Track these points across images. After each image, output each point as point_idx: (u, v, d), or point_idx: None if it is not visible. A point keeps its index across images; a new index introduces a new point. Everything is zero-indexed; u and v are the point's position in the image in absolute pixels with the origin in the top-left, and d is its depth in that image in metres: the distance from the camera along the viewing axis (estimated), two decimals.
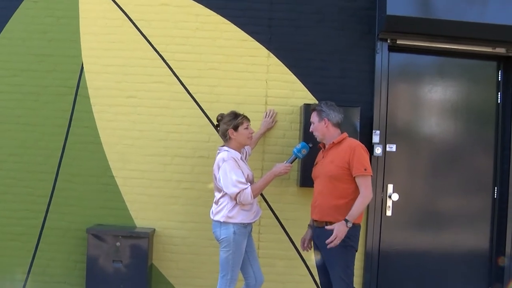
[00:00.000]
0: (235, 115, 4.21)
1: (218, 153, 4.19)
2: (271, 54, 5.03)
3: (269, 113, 4.87)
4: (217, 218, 4.11)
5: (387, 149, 5.05)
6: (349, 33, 5.07)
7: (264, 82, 5.00)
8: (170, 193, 4.99)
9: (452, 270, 5.23)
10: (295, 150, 4.20)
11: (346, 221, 3.82)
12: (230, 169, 4.02)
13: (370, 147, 4.86)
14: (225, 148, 4.17)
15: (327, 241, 3.81)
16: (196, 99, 5.01)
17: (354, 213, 3.85)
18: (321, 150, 4.25)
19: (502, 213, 5.19)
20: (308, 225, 4.31)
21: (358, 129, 4.75)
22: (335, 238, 3.79)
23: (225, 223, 4.06)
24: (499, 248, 5.22)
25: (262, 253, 4.94)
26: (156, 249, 4.96)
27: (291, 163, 4.21)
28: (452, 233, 5.22)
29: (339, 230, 3.80)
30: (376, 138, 4.88)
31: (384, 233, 5.08)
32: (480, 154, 5.29)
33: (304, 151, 4.19)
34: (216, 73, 5.01)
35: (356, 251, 4.04)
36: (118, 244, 4.68)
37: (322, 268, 4.13)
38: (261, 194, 4.87)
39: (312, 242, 4.25)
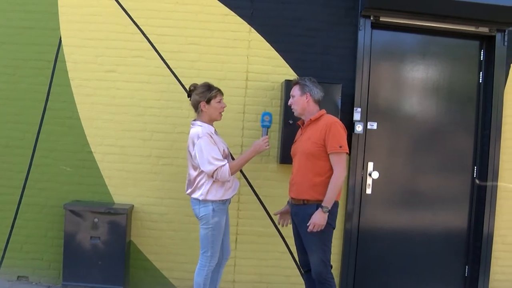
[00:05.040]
0: (209, 87, 4.19)
1: (192, 127, 4.15)
2: (253, 30, 5.08)
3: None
4: (195, 196, 4.13)
5: (368, 127, 5.15)
6: (332, 9, 5.13)
7: (245, 57, 5.06)
8: (149, 169, 5.05)
9: (430, 248, 5.37)
10: (262, 124, 4.31)
11: (323, 207, 3.91)
12: (205, 146, 4.02)
13: (351, 125, 4.96)
14: (198, 123, 4.15)
15: (308, 230, 3.91)
16: (176, 74, 5.05)
17: (329, 197, 3.93)
18: (300, 128, 4.32)
19: (481, 193, 5.33)
20: (288, 201, 4.39)
21: (339, 106, 4.84)
22: (314, 227, 3.90)
23: (204, 201, 4.09)
24: (477, 227, 5.36)
25: (241, 229, 5.05)
26: (134, 226, 5.03)
27: (267, 135, 4.28)
28: (431, 212, 5.36)
29: (318, 219, 3.90)
30: (357, 116, 4.97)
31: (363, 211, 5.20)
32: (461, 134, 5.42)
33: (268, 117, 4.30)
34: (197, 48, 5.06)
35: (334, 228, 4.12)
36: (96, 220, 4.74)
37: (300, 245, 4.22)
38: (241, 171, 4.96)
39: (290, 219, 4.34)
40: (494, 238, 5.31)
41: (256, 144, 4.21)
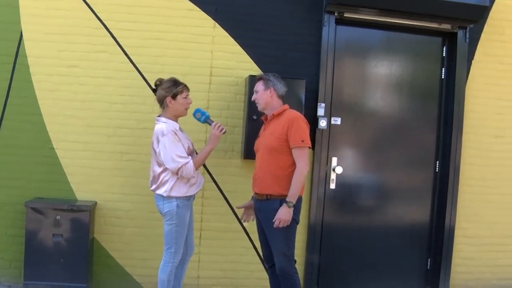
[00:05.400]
0: (175, 83, 4.18)
1: (156, 124, 4.13)
2: (217, 25, 5.07)
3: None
4: (159, 192, 4.12)
5: (332, 122, 5.20)
6: (297, 5, 5.15)
7: (209, 53, 5.05)
8: (113, 165, 5.00)
9: (394, 242, 5.45)
10: (202, 121, 4.33)
11: (288, 202, 3.93)
12: (170, 143, 4.00)
13: (314, 120, 4.99)
14: (163, 119, 4.14)
15: (274, 225, 3.93)
16: (140, 70, 5.01)
17: (294, 192, 3.96)
18: (264, 123, 4.34)
19: (443, 187, 5.42)
20: (252, 197, 4.41)
21: (303, 102, 4.87)
22: (280, 222, 3.92)
23: (168, 197, 4.08)
24: (439, 220, 5.46)
25: (205, 225, 5.05)
26: (98, 223, 4.98)
27: (213, 121, 4.29)
28: (394, 206, 5.45)
29: (283, 214, 3.92)
30: (321, 111, 5.00)
31: (327, 206, 5.25)
32: (424, 129, 5.51)
33: (199, 114, 4.31)
34: (161, 43, 5.02)
35: (298, 223, 4.15)
36: (58, 217, 4.66)
37: (264, 240, 4.24)
38: (205, 166, 4.95)
39: (254, 214, 4.36)
40: (456, 231, 5.42)
41: (212, 134, 4.22)
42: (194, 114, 4.35)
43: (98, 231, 4.99)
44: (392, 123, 5.40)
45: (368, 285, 5.42)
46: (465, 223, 5.48)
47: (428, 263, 5.54)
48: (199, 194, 4.69)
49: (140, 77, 5.01)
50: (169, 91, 4.12)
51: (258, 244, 4.54)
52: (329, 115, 5.13)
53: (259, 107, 4.26)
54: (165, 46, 5.02)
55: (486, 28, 5.50)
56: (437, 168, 5.49)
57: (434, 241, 5.51)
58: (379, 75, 5.37)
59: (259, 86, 4.23)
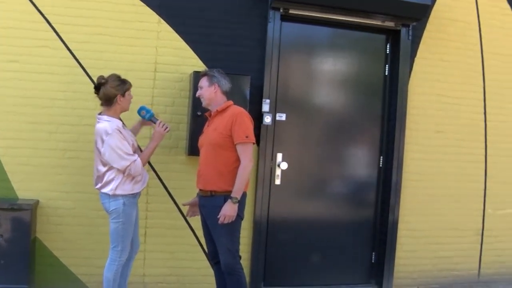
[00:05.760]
0: (122, 80, 4.16)
1: (98, 122, 4.07)
2: (162, 20, 5.05)
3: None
4: (105, 190, 4.09)
5: (277, 118, 5.24)
6: (242, 1, 5.17)
7: (154, 48, 5.03)
8: (55, 163, 4.91)
9: (339, 236, 5.57)
10: (146, 118, 4.36)
11: (232, 198, 3.98)
12: (115, 142, 3.97)
13: (259, 116, 5.04)
14: (105, 117, 4.10)
15: (219, 222, 3.98)
16: (83, 65, 4.95)
17: (238, 188, 4.01)
18: (208, 119, 4.36)
19: (387, 182, 5.57)
20: (197, 193, 4.42)
21: (248, 98, 4.91)
22: (224, 218, 3.97)
23: (114, 195, 4.06)
24: (383, 215, 5.60)
25: (151, 223, 5.03)
26: (40, 222, 4.89)
27: (157, 119, 4.33)
28: (339, 201, 5.57)
29: (228, 211, 3.97)
30: (265, 107, 5.05)
31: (272, 202, 5.30)
32: (368, 125, 5.64)
33: (144, 112, 4.35)
34: (105, 38, 4.96)
35: (242, 219, 4.20)
36: None
37: (209, 236, 4.28)
38: (149, 163, 4.93)
39: (199, 211, 4.38)
40: (399, 225, 5.58)
41: (156, 132, 4.24)
42: (138, 112, 4.35)
43: (41, 230, 4.90)
44: (337, 119, 5.50)
45: (314, 279, 5.50)
46: (408, 216, 5.65)
47: (373, 257, 5.67)
48: (144, 191, 4.67)
49: (83, 73, 4.94)
50: (119, 89, 4.10)
51: (203, 241, 4.55)
52: (274, 111, 5.18)
53: (203, 103, 4.29)
54: (109, 41, 4.97)
55: (428, 26, 5.67)
56: (381, 163, 5.62)
57: (378, 234, 5.66)
58: (324, 71, 5.46)
59: (204, 82, 4.26)
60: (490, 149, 5.96)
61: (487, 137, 5.94)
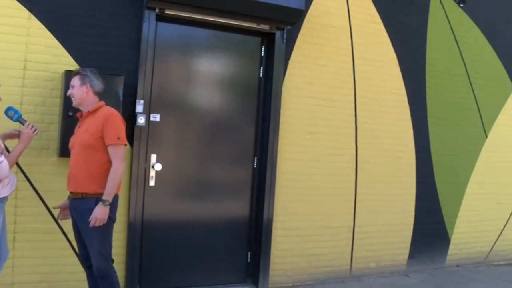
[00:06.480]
0: None
1: None
2: (33, 16, 4.92)
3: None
4: None
5: (151, 119, 5.28)
6: (117, 0, 5.16)
7: (23, 45, 4.87)
8: None
9: (216, 237, 5.70)
10: (14, 119, 4.29)
11: (103, 201, 4.00)
12: None
13: (133, 117, 5.05)
14: None
15: (90, 225, 3.97)
16: None
17: (110, 190, 4.03)
18: (79, 120, 4.35)
19: (261, 182, 5.79)
20: (68, 196, 4.38)
21: (121, 98, 4.91)
22: (96, 221, 3.97)
23: None
24: (257, 214, 5.82)
25: (20, 227, 4.88)
26: None
27: (26, 121, 4.26)
28: (215, 201, 5.69)
29: (99, 213, 3.98)
30: (139, 108, 5.05)
31: (147, 203, 5.33)
32: (243, 126, 5.83)
33: (11, 112, 4.27)
34: None
35: (114, 222, 4.23)
36: None
37: (81, 240, 4.26)
38: (18, 165, 4.80)
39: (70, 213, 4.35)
40: (274, 224, 5.81)
41: (25, 133, 4.15)
42: (6, 112, 4.25)
43: None
44: (213, 120, 5.64)
45: (191, 280, 5.59)
46: (282, 216, 5.90)
47: (249, 256, 5.86)
48: (12, 194, 4.54)
49: None
50: None
51: (76, 245, 4.51)
52: (148, 111, 5.21)
53: (74, 103, 4.27)
54: None
55: (302, 30, 5.96)
56: (255, 164, 5.82)
57: (254, 234, 5.86)
58: (200, 72, 5.57)
59: (75, 81, 4.24)
60: (360, 149, 6.37)
61: (358, 138, 6.34)
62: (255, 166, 5.83)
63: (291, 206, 5.96)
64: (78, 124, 4.33)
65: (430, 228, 7.08)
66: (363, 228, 6.47)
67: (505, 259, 7.89)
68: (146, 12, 5.17)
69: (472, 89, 7.37)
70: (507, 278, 6.88)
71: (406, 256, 6.87)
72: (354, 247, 6.43)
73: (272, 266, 5.84)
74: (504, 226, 7.88)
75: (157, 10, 5.22)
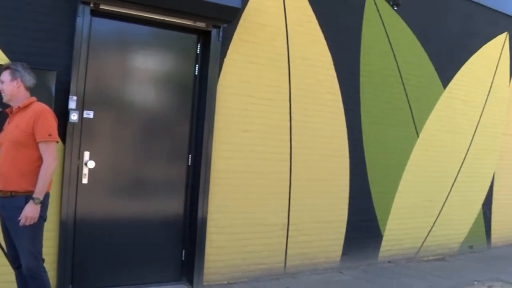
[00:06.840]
0: None
1: None
2: None
3: None
4: None
5: (84, 115, 5.22)
6: None
7: None
8: None
9: (150, 236, 5.70)
10: None
11: (34, 199, 3.96)
12: None
13: (65, 113, 5.00)
14: None
15: (20, 224, 3.92)
16: None
17: (41, 188, 4.00)
18: (8, 116, 4.28)
19: (195, 180, 5.84)
20: None
21: (54, 94, 4.86)
22: (26, 220, 3.92)
23: None
24: (192, 213, 5.86)
25: None
26: None
27: None
28: (150, 200, 5.70)
29: (30, 212, 3.94)
30: (72, 104, 4.99)
31: (80, 201, 5.27)
32: (178, 123, 5.86)
33: None
34: None
35: (45, 220, 4.18)
36: None
37: (9, 240, 4.20)
38: None
39: None
40: (208, 222, 5.86)
41: None
42: None
43: None
44: (148, 117, 5.64)
45: (124, 279, 5.58)
46: (217, 214, 5.96)
47: (183, 254, 5.90)
48: None
49: None
50: None
51: (4, 245, 4.43)
52: (81, 108, 5.16)
53: (5, 99, 4.21)
54: None
55: (238, 29, 6.03)
56: (189, 162, 5.87)
57: (188, 233, 5.90)
58: (135, 69, 5.56)
59: (5, 75, 4.18)
60: (295, 148, 6.50)
61: (292, 136, 6.47)
62: (189, 164, 5.87)
63: (226, 204, 6.02)
64: (8, 120, 4.27)
65: (363, 225, 7.31)
66: (297, 226, 6.61)
67: (434, 255, 8.24)
68: (81, 7, 5.10)
69: (405, 90, 7.65)
70: (435, 273, 7.19)
71: (340, 253, 7.07)
72: (288, 244, 6.56)
73: (207, 264, 5.89)
74: (434, 223, 8.22)
75: (91, 5, 5.15)
